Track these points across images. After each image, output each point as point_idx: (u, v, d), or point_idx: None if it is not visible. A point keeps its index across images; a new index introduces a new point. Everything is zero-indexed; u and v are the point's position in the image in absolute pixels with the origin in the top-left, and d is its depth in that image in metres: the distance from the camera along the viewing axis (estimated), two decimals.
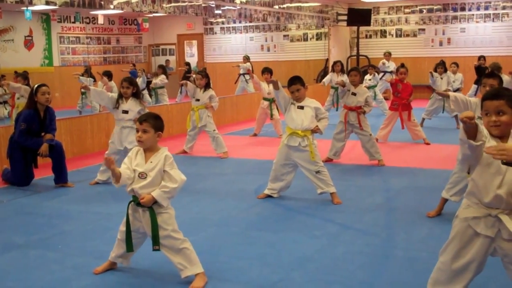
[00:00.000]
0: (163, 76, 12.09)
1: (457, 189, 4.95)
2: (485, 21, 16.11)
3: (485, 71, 12.35)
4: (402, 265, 4.07)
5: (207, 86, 8.37)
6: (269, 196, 5.91)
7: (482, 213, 2.90)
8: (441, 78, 10.73)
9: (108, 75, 10.84)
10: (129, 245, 3.80)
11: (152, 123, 3.70)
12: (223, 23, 17.09)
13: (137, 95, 6.62)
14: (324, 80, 12.42)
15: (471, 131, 2.73)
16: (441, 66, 10.84)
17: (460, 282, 3.02)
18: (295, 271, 3.96)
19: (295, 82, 5.67)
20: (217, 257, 4.23)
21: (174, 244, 3.68)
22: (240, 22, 16.38)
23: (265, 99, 9.96)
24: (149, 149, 3.72)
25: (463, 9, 16.36)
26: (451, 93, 5.18)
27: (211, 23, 17.43)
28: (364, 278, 3.83)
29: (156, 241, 3.65)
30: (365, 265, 4.07)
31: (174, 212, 3.78)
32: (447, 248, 3.06)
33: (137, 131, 3.72)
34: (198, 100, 8.31)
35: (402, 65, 9.37)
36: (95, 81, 12.15)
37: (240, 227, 4.99)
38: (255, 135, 10.35)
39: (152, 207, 3.65)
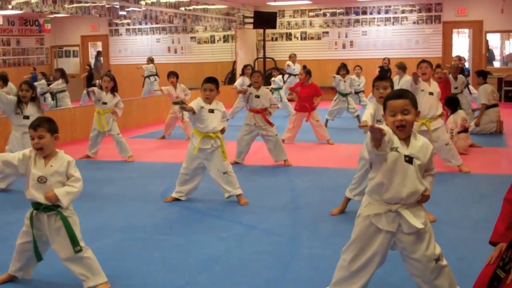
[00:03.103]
0: (59, 81, 11.73)
1: (360, 189, 5.06)
2: (385, 25, 16.77)
3: (387, 73, 12.85)
4: (306, 263, 4.15)
5: (113, 89, 8.15)
6: (176, 199, 5.86)
7: (383, 209, 3.02)
8: (344, 81, 11.00)
9: (4, 79, 10.25)
10: (39, 255, 3.64)
11: (47, 127, 3.55)
12: (128, 24, 16.79)
13: (35, 99, 6.41)
14: (235, 83, 12.42)
15: (377, 140, 2.84)
16: (343, 69, 11.08)
17: (361, 278, 3.12)
18: (201, 273, 3.95)
19: (211, 81, 5.72)
20: (122, 263, 4.15)
21: (75, 254, 3.56)
22: (146, 23, 16.15)
23: (174, 103, 9.87)
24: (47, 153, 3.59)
25: (364, 13, 16.94)
26: (366, 121, 4.99)
27: (116, 24, 17.07)
28: (270, 277, 3.87)
29: (75, 241, 3.52)
30: (271, 264, 4.12)
31: (78, 219, 3.66)
32: (350, 246, 3.15)
33: (32, 138, 3.56)
34: (105, 103, 8.07)
35: (304, 67, 9.55)
36: None
37: (146, 232, 4.92)
38: (163, 137, 10.24)
39: (59, 210, 3.52)
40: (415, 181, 2.96)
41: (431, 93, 6.65)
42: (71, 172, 3.56)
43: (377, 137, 2.83)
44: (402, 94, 3.04)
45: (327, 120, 11.02)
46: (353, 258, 3.11)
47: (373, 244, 3.07)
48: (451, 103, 8.39)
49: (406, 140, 3.00)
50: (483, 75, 10.39)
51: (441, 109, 6.77)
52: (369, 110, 4.99)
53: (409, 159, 2.95)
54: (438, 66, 9.50)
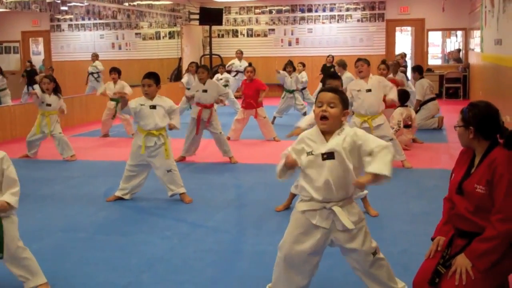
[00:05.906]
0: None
1: None
2: (330, 22, 16.94)
3: (330, 70, 13.01)
4: (251, 259, 4.14)
5: (55, 90, 7.89)
6: (119, 198, 5.75)
7: (318, 206, 3.01)
8: (291, 78, 11.15)
9: None
10: None
11: None
12: (71, 20, 16.40)
13: None
14: (182, 81, 12.25)
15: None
16: (289, 66, 11.26)
17: (300, 278, 3.11)
18: (145, 273, 3.89)
19: (149, 77, 5.60)
20: (63, 264, 4.05)
21: (14, 254, 3.45)
22: (89, 19, 15.84)
23: (112, 99, 9.71)
24: None
25: (310, 10, 17.07)
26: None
27: (58, 20, 16.65)
28: (214, 275, 3.85)
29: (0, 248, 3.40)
30: (215, 262, 4.09)
31: (17, 219, 3.52)
32: (285, 241, 3.12)
33: None
34: (49, 105, 7.81)
35: (249, 64, 9.55)
36: None
37: (87, 232, 4.81)
38: (106, 135, 10.05)
39: None
40: (341, 175, 2.94)
41: (368, 90, 6.67)
42: (6, 173, 3.41)
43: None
44: (335, 90, 3.09)
45: (274, 118, 11.06)
46: (290, 252, 3.08)
47: (309, 240, 3.05)
48: (402, 96, 8.53)
49: (327, 136, 3.00)
50: (418, 70, 10.57)
51: (383, 106, 6.84)
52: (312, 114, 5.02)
53: (329, 155, 2.95)
54: (383, 62, 9.64)
